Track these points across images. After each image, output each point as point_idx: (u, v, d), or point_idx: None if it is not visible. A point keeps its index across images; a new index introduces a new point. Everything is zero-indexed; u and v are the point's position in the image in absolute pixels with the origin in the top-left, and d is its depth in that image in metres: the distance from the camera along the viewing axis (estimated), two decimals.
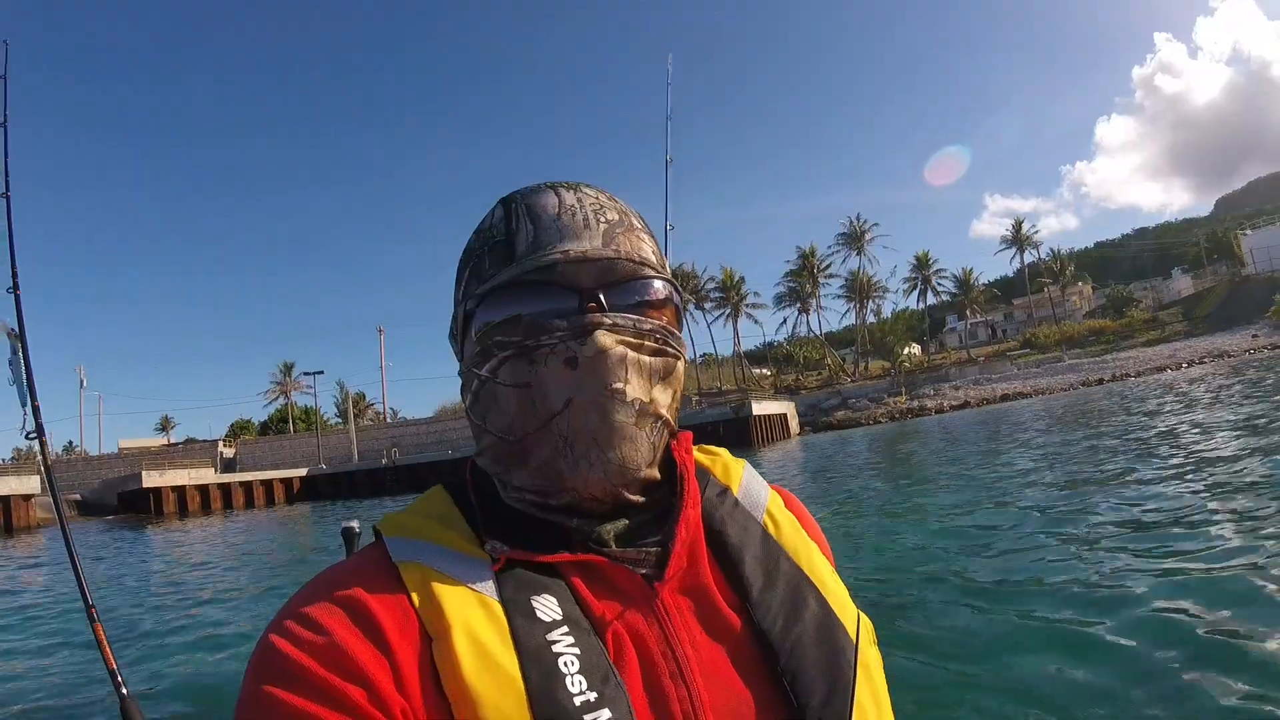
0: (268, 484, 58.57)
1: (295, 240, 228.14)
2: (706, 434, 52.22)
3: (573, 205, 0.81)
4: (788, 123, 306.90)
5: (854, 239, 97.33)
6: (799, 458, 32.06)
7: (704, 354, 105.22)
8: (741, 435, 52.04)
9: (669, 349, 0.80)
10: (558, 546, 0.76)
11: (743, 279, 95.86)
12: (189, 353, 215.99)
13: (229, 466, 72.75)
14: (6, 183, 3.40)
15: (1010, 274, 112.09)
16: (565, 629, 0.70)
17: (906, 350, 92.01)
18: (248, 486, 57.30)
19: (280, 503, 56.43)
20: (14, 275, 3.27)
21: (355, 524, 2.22)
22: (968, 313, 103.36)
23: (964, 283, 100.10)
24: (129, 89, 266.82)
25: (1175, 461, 12.47)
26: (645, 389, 0.77)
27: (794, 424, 65.04)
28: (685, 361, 0.84)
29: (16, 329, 3.24)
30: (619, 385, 0.75)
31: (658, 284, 0.81)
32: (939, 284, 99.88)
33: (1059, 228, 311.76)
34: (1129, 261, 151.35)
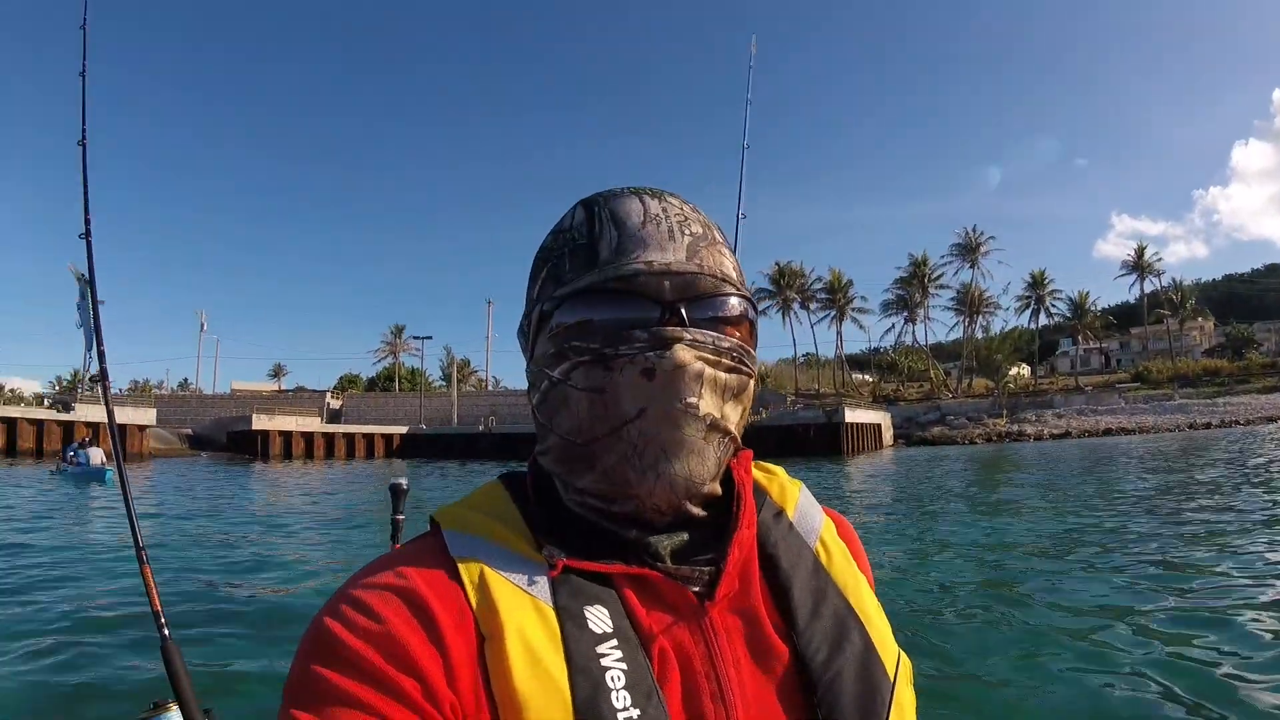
0: (369, 438, 61.24)
1: (421, 211, 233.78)
2: (797, 436, 53.03)
3: (658, 214, 0.80)
4: (909, 121, 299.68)
5: (968, 250, 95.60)
6: (889, 472, 31.51)
7: (806, 353, 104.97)
8: (833, 441, 51.84)
9: (744, 367, 0.80)
10: (613, 556, 0.77)
11: (850, 282, 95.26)
12: (307, 306, 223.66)
13: (334, 417, 75.94)
14: (84, 131, 3.38)
15: (1130, 300, 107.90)
16: (614, 641, 0.71)
17: (1014, 371, 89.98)
18: (350, 438, 60.12)
19: (379, 457, 59.06)
20: (86, 222, 3.25)
21: (404, 481, 2.26)
22: (1079, 338, 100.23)
23: (1078, 306, 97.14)
24: (278, 63, 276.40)
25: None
26: (718, 405, 0.78)
27: (887, 435, 64.42)
28: (756, 380, 0.84)
29: (87, 274, 3.25)
30: (693, 400, 0.75)
31: (736, 301, 0.81)
32: (1053, 305, 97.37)
33: (1187, 255, 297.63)
34: (1257, 299, 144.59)
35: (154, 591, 2.71)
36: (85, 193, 3.32)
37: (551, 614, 0.71)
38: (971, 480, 25.66)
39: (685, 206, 0.83)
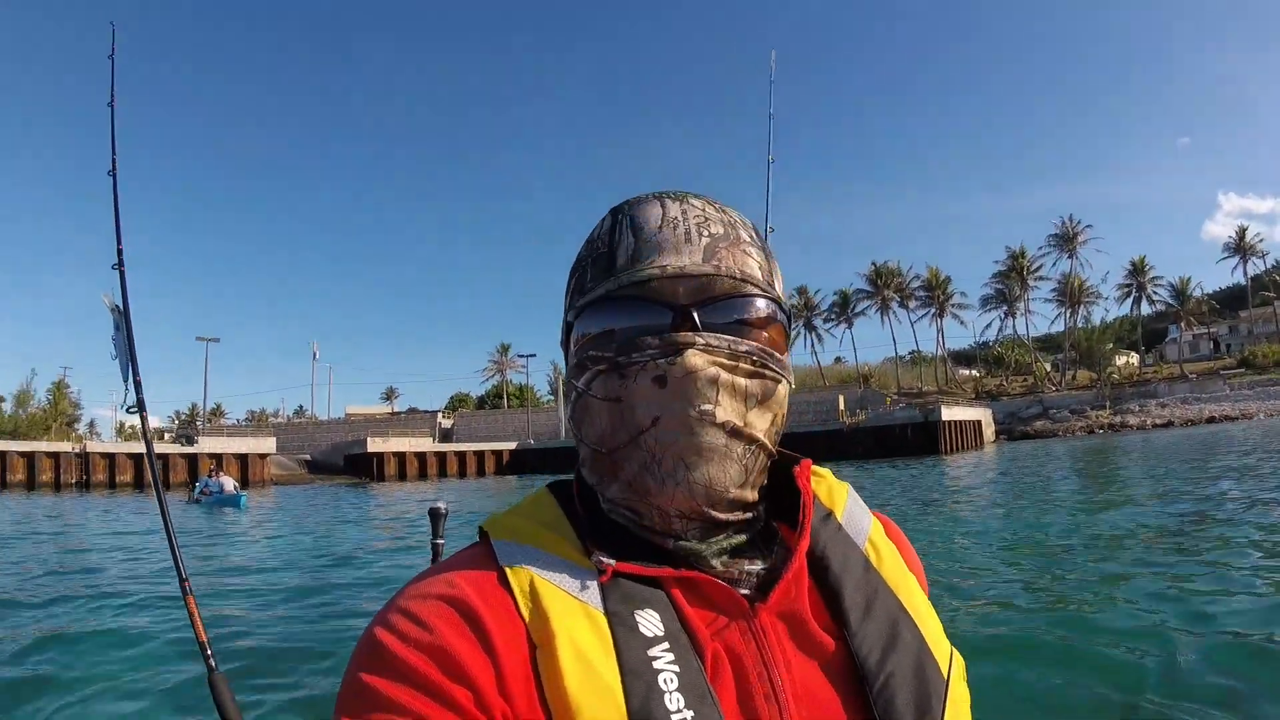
0: (480, 455, 63.91)
1: (526, 235, 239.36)
2: (894, 437, 54.70)
3: (675, 217, 0.79)
4: (1001, 107, 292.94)
5: (1066, 240, 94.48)
6: (981, 472, 31.00)
7: (911, 351, 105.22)
8: (929, 440, 52.57)
9: (768, 371, 0.79)
10: (661, 560, 0.77)
11: (948, 278, 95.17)
12: (417, 329, 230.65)
13: (446, 436, 79.42)
14: (114, 161, 3.41)
15: (1238, 283, 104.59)
16: (666, 645, 0.70)
17: (1123, 360, 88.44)
18: (461, 456, 62.87)
19: (490, 473, 61.68)
20: (119, 252, 3.29)
21: (442, 505, 2.30)
22: (1183, 324, 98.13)
23: (1180, 292, 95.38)
24: (366, 96, 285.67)
25: None
26: (739, 412, 0.76)
27: (989, 431, 64.48)
28: (789, 383, 0.83)
29: (121, 305, 3.23)
30: (708, 407, 0.74)
31: (760, 302, 0.79)
32: (1154, 292, 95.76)
33: None
34: None
35: (199, 622, 2.70)
36: (117, 223, 3.37)
37: (602, 619, 0.71)
38: (1064, 473, 25.43)
39: (709, 208, 0.82)
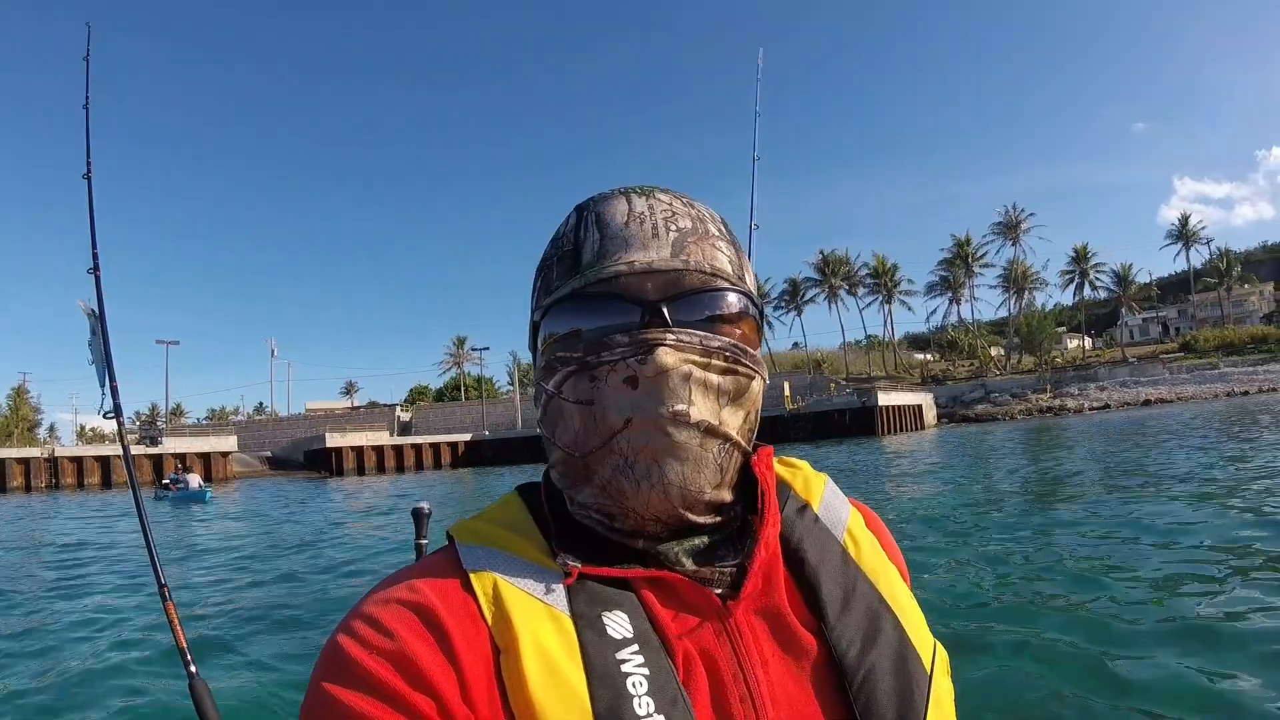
0: (436, 447, 64.96)
1: (483, 228, 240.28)
2: (833, 421, 56.49)
3: (642, 213, 0.76)
4: (952, 95, 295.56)
5: (1009, 229, 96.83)
6: (906, 453, 32.28)
7: (869, 336, 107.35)
8: (867, 424, 54.42)
9: (741, 367, 0.76)
10: (630, 561, 0.75)
11: (895, 265, 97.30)
12: (373, 324, 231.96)
13: (405, 429, 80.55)
14: (89, 164, 3.35)
15: (1187, 268, 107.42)
16: (635, 647, 0.68)
17: (1074, 344, 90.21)
18: (418, 449, 64.01)
19: (446, 465, 62.65)
20: (95, 256, 3.22)
21: (425, 505, 2.29)
22: (1124, 310, 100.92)
23: (1122, 278, 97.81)
24: (326, 89, 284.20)
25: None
26: (712, 410, 0.73)
27: (930, 415, 66.28)
28: (763, 380, 0.80)
29: (96, 309, 3.18)
30: (681, 406, 0.71)
31: (731, 297, 0.76)
32: (1097, 278, 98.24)
33: (1254, 216, 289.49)
34: None
35: (178, 628, 2.67)
36: (92, 226, 3.31)
37: (568, 622, 0.69)
38: (999, 458, 26.05)
39: (676, 202, 0.79)
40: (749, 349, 0.77)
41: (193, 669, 2.52)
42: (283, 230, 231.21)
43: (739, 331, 0.77)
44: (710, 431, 0.73)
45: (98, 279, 3.22)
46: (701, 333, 0.74)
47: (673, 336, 0.72)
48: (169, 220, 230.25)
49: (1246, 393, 60.22)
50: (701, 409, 0.72)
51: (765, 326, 0.82)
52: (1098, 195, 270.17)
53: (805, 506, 0.85)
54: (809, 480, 0.89)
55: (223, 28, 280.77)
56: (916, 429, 60.27)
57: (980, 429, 52.63)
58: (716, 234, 0.79)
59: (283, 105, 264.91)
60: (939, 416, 68.24)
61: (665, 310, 0.73)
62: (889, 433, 54.32)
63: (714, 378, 0.74)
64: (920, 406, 64.49)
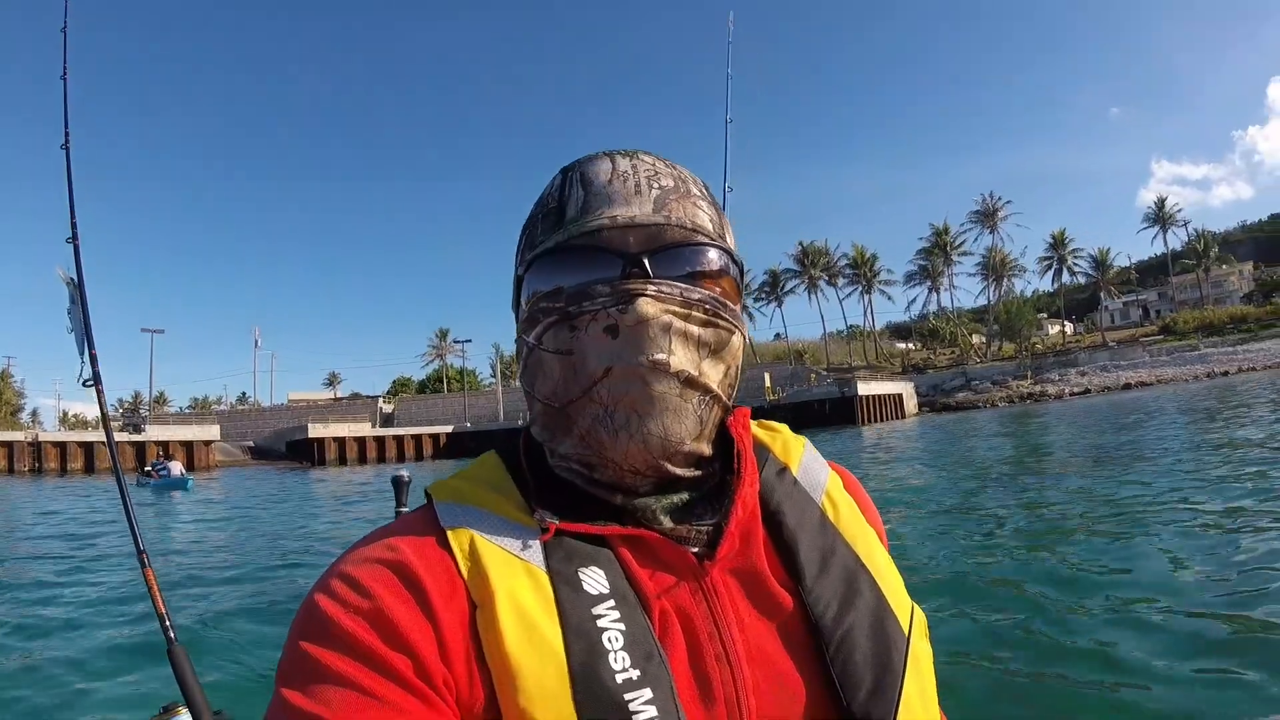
0: (417, 438, 65.18)
1: (467, 220, 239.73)
2: (813, 411, 56.52)
3: (625, 171, 0.78)
4: (929, 84, 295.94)
5: (987, 216, 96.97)
6: (884, 441, 32.97)
7: (852, 326, 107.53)
8: (848, 414, 54.59)
9: (720, 320, 0.77)
10: (608, 518, 0.75)
11: (875, 255, 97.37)
12: (357, 316, 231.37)
13: (388, 420, 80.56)
14: (66, 134, 3.37)
15: (1165, 251, 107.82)
16: (611, 603, 0.68)
17: (1055, 330, 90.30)
18: (399, 440, 64.18)
19: (428, 456, 62.72)
20: (73, 225, 3.23)
21: (405, 473, 2.27)
22: (1104, 294, 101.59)
23: (1100, 263, 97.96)
24: (313, 83, 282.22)
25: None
26: (692, 361, 0.74)
27: (910, 404, 66.44)
28: (743, 335, 0.80)
29: (76, 278, 3.17)
30: (661, 355, 0.71)
31: (712, 253, 0.77)
32: (1075, 264, 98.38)
33: (1232, 197, 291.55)
34: None
35: (158, 595, 2.65)
36: (71, 196, 3.33)
37: (544, 577, 0.69)
38: (975, 443, 26.66)
39: (659, 163, 0.81)
40: (729, 303, 0.78)
41: (171, 635, 2.52)
42: (268, 221, 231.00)
43: (719, 287, 0.78)
44: (690, 382, 0.74)
45: (76, 248, 3.25)
46: (682, 285, 0.74)
47: (653, 287, 0.73)
48: (155, 208, 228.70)
49: (1226, 373, 60.26)
50: (681, 359, 0.73)
51: (746, 317, 0.82)
52: (1077, 180, 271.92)
53: (784, 469, 0.86)
54: (788, 443, 0.89)
55: (208, 15, 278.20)
56: (897, 417, 60.50)
57: (960, 417, 52.87)
58: (698, 194, 0.81)
59: (270, 98, 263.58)
60: (920, 405, 68.30)
61: (647, 262, 0.74)
62: (869, 422, 54.55)
63: (694, 329, 0.74)
64: (900, 396, 64.65)
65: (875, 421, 55.65)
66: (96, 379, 3.14)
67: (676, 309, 0.73)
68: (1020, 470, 15.45)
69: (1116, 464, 14.69)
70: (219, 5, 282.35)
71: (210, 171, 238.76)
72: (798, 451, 0.89)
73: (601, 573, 0.71)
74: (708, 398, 0.76)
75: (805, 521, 0.81)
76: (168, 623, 2.57)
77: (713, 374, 0.76)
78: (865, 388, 58.64)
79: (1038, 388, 67.84)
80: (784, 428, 0.93)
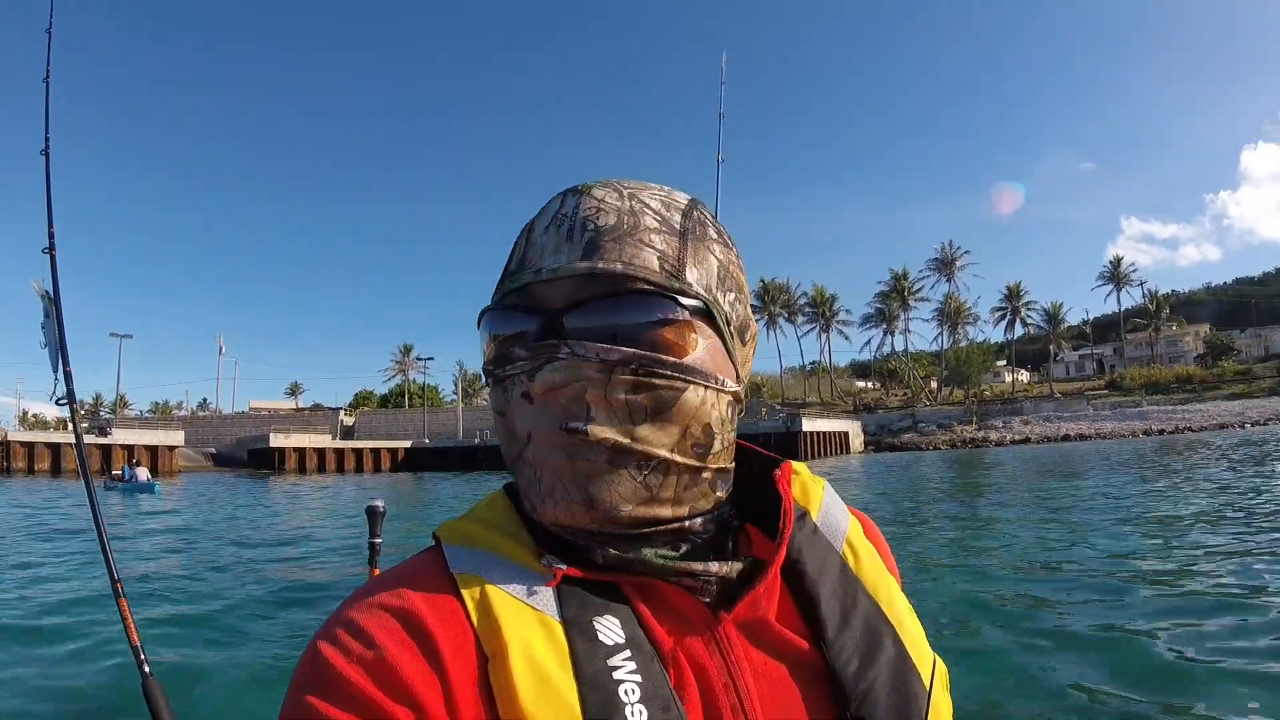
0: (376, 452, 66.40)
1: (433, 237, 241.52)
2: (757, 444, 55.93)
3: (565, 214, 0.70)
4: (899, 131, 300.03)
5: (945, 265, 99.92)
6: (824, 473, 33.88)
7: (812, 362, 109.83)
8: (790, 449, 55.23)
9: (657, 380, 0.66)
10: (612, 565, 0.69)
11: (834, 296, 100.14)
12: (322, 327, 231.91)
13: (348, 432, 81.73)
14: (47, 140, 3.22)
15: (1130, 306, 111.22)
16: (628, 653, 0.64)
17: (1010, 378, 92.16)
18: (359, 453, 65.45)
19: (386, 470, 64.05)
20: (50, 236, 3.08)
21: (380, 503, 2.19)
22: (1057, 345, 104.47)
23: (1052, 316, 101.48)
24: (276, 95, 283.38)
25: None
26: (619, 428, 0.66)
27: (856, 441, 68.21)
28: (704, 388, 0.69)
29: (51, 291, 3.02)
30: (577, 424, 0.65)
31: (645, 301, 0.67)
32: (1028, 316, 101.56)
33: (1199, 258, 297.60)
34: (1268, 302, 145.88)
35: (132, 627, 2.56)
36: (49, 204, 3.18)
37: (558, 628, 0.64)
38: (908, 482, 28.39)
39: (610, 195, 0.71)
40: (669, 358, 0.67)
41: (146, 669, 2.46)
42: (235, 228, 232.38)
43: (663, 338, 0.67)
44: (621, 450, 0.66)
45: (53, 259, 3.12)
46: (601, 346, 0.66)
47: (567, 349, 0.65)
48: (118, 206, 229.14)
49: (1163, 431, 61.76)
50: (605, 428, 0.66)
51: (726, 321, 0.73)
52: (1045, 230, 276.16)
53: (804, 514, 0.80)
54: (806, 485, 0.83)
55: (171, 25, 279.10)
56: (841, 454, 62.17)
57: (902, 456, 54.38)
58: (652, 226, 0.70)
59: (240, 112, 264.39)
60: (866, 444, 70.00)
61: (565, 320, 0.67)
62: (812, 457, 55.90)
63: (619, 394, 0.66)
64: (847, 433, 66.55)
65: (819, 457, 57.22)
66: (70, 398, 3.05)
67: (593, 374, 0.65)
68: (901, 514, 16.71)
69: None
70: (182, 17, 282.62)
71: (175, 177, 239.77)
72: (817, 495, 0.83)
73: (616, 621, 0.66)
74: (650, 463, 0.68)
75: (826, 571, 0.76)
76: (142, 655, 2.50)
77: (657, 438, 0.68)
78: (810, 424, 60.30)
79: (981, 433, 69.51)
80: (803, 468, 0.85)
